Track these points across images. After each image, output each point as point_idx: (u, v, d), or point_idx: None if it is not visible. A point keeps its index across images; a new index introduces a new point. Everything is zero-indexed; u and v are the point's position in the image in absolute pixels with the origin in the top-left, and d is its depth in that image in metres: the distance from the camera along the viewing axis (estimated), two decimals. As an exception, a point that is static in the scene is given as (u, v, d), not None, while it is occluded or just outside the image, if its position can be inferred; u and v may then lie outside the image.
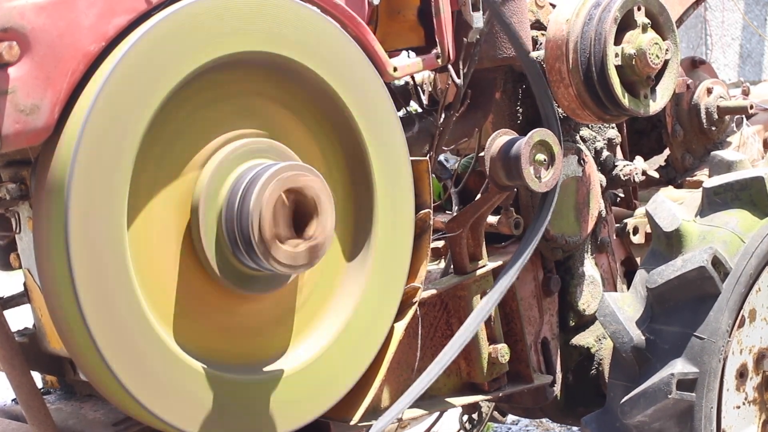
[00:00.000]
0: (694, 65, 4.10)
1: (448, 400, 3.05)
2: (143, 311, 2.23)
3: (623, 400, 2.91)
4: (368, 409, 2.66)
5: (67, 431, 2.70)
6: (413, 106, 3.42)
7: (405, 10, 2.97)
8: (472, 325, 2.82)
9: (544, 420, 5.08)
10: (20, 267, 2.72)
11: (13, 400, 3.06)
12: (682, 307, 2.91)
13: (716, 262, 2.88)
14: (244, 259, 2.31)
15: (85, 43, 2.17)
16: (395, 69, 2.72)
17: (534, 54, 3.21)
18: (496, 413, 4.37)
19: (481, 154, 2.91)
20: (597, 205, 3.43)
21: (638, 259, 3.63)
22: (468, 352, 3.00)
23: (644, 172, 3.64)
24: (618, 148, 3.62)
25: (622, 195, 3.77)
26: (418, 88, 3.51)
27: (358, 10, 2.69)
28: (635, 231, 3.65)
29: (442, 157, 3.41)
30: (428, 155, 3.03)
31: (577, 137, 3.43)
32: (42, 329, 2.74)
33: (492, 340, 3.07)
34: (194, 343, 2.35)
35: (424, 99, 3.55)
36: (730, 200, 3.06)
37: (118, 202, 2.17)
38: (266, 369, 2.46)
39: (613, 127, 3.56)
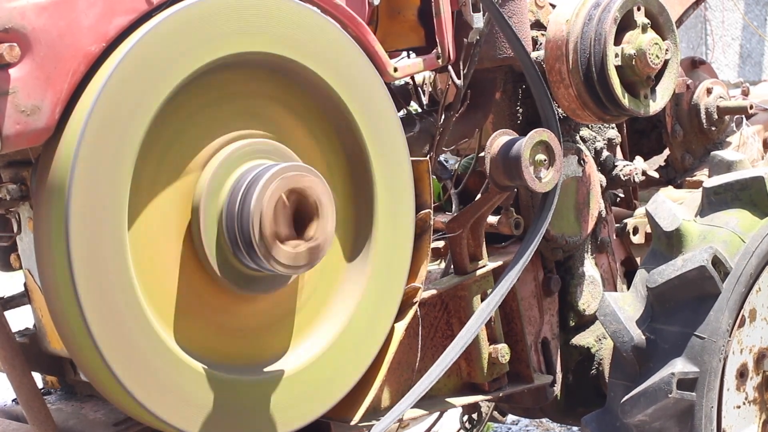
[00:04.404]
0: (694, 65, 4.11)
1: (449, 400, 3.05)
2: (143, 311, 2.23)
3: (624, 399, 2.91)
4: (369, 409, 2.66)
5: (68, 431, 2.70)
6: (413, 106, 3.42)
7: (405, 10, 2.97)
8: (474, 326, 2.82)
9: (544, 420, 5.08)
10: (21, 267, 2.72)
11: (13, 401, 3.06)
12: (683, 307, 2.91)
13: (716, 261, 2.88)
14: (244, 259, 2.31)
15: (85, 44, 2.18)
16: (395, 69, 2.72)
17: (534, 54, 3.21)
18: (496, 413, 4.37)
19: (481, 154, 2.91)
20: (597, 205, 3.43)
21: (638, 259, 3.63)
22: (468, 352, 3.00)
23: (644, 172, 3.64)
24: (618, 149, 3.62)
25: (622, 195, 3.77)
26: (419, 88, 3.51)
27: (359, 11, 2.69)
28: (635, 231, 3.65)
29: (442, 158, 3.41)
30: (428, 155, 3.03)
31: (577, 137, 3.43)
32: (42, 330, 2.74)
33: (492, 340, 3.07)
34: (194, 344, 2.35)
35: (425, 99, 3.55)
36: (730, 200, 3.06)
37: (118, 202, 2.17)
38: (267, 369, 2.46)
39: (613, 128, 3.56)
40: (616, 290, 3.56)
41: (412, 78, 3.36)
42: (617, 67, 3.11)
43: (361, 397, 2.64)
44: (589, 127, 3.47)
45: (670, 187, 4.00)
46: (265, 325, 2.50)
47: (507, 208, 3.21)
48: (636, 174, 3.49)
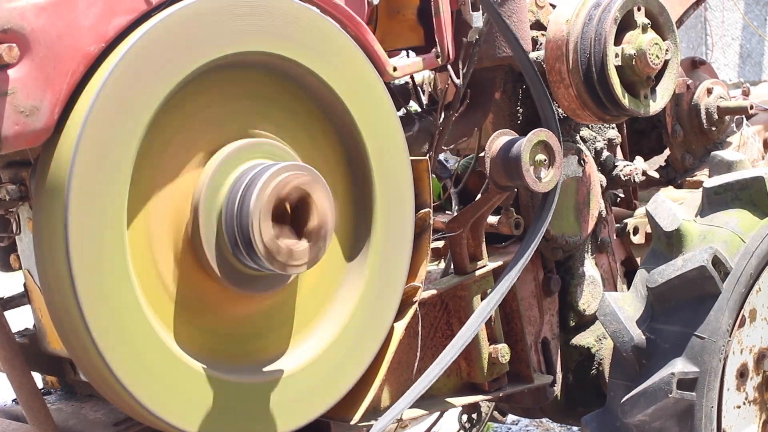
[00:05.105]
0: (694, 65, 4.10)
1: (448, 400, 3.05)
2: (143, 311, 2.23)
3: (624, 399, 2.91)
4: (368, 408, 2.66)
5: (68, 431, 2.70)
6: (413, 105, 3.42)
7: (404, 9, 2.97)
8: (474, 325, 2.82)
9: (544, 420, 5.08)
10: (20, 268, 2.73)
11: (13, 401, 3.06)
12: (683, 307, 2.91)
13: (716, 261, 2.88)
14: (244, 259, 2.31)
15: (84, 44, 2.18)
16: (395, 69, 2.72)
17: (534, 54, 3.21)
18: (496, 413, 4.37)
19: (481, 154, 2.91)
20: (597, 205, 3.43)
21: (638, 259, 3.63)
22: (468, 352, 3.00)
23: (644, 173, 3.64)
24: (618, 149, 3.62)
25: (622, 195, 3.77)
26: (418, 87, 3.51)
27: (358, 10, 2.69)
28: (635, 231, 3.65)
29: (441, 157, 3.41)
30: (428, 155, 3.03)
31: (577, 137, 3.43)
32: (42, 330, 2.74)
33: (492, 340, 3.07)
34: (194, 344, 2.35)
35: (424, 99, 3.54)
36: (730, 200, 3.06)
37: (117, 202, 2.17)
38: (266, 369, 2.46)
39: (613, 128, 3.56)
40: (616, 290, 3.56)
41: (412, 77, 3.36)
42: (617, 67, 3.11)
43: (361, 397, 2.64)
44: (589, 127, 3.47)
45: (671, 187, 4.00)
46: (265, 324, 2.50)
47: (507, 208, 3.21)
48: (636, 174, 3.49)
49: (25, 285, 2.74)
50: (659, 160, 4.11)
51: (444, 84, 3.17)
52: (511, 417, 4.98)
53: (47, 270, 2.21)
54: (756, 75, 10.29)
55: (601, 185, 3.45)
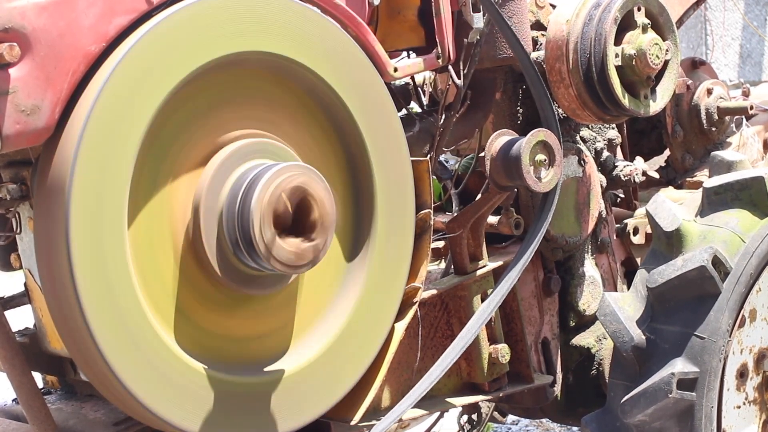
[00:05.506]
0: (695, 66, 4.11)
1: (449, 400, 3.05)
2: (143, 311, 2.23)
3: (624, 399, 2.91)
4: (369, 409, 2.66)
5: (68, 431, 2.70)
6: (414, 106, 3.42)
7: (405, 10, 2.97)
8: (475, 326, 2.82)
9: (544, 420, 5.08)
10: (21, 267, 2.73)
11: (13, 400, 3.06)
12: (683, 307, 2.91)
13: (716, 261, 2.88)
14: (245, 259, 2.31)
15: (85, 44, 2.18)
16: (396, 69, 2.72)
17: (534, 54, 3.21)
18: (496, 413, 4.37)
19: (482, 154, 2.91)
20: (597, 205, 3.43)
21: (638, 260, 3.63)
22: (468, 352, 3.00)
23: (644, 173, 3.64)
24: (618, 149, 3.62)
25: (622, 195, 3.77)
26: (419, 88, 3.51)
27: (359, 11, 2.69)
28: (635, 231, 3.65)
29: (442, 158, 3.41)
30: (428, 155, 3.03)
31: (578, 138, 3.43)
32: (42, 329, 2.74)
33: (492, 340, 3.07)
34: (195, 343, 2.35)
35: (425, 99, 3.54)
36: (731, 200, 3.06)
37: (118, 202, 2.17)
38: (267, 369, 2.46)
39: (613, 128, 3.56)
40: (616, 290, 3.56)
41: (413, 78, 3.36)
42: (617, 67, 3.11)
43: (361, 397, 2.64)
44: (589, 128, 3.47)
45: (671, 188, 4.00)
46: (265, 324, 2.50)
47: (507, 208, 3.21)
48: (636, 174, 3.49)
49: (25, 284, 2.74)
50: (659, 160, 4.11)
51: (445, 85, 3.17)
52: (511, 417, 4.98)
53: (48, 269, 2.21)
54: (756, 75, 10.29)
55: (601, 185, 3.46)
